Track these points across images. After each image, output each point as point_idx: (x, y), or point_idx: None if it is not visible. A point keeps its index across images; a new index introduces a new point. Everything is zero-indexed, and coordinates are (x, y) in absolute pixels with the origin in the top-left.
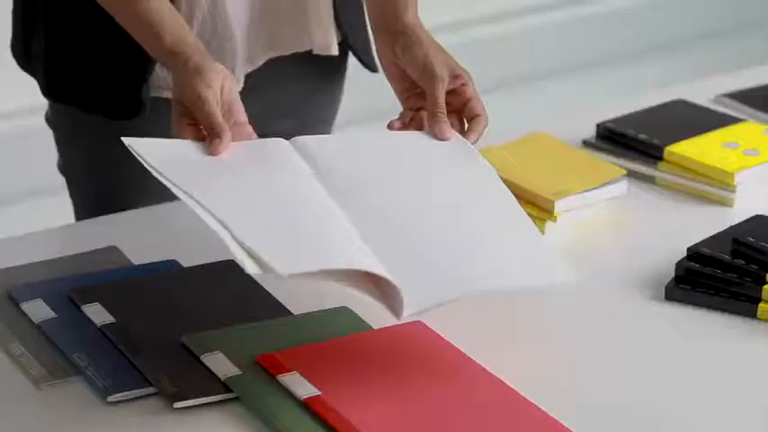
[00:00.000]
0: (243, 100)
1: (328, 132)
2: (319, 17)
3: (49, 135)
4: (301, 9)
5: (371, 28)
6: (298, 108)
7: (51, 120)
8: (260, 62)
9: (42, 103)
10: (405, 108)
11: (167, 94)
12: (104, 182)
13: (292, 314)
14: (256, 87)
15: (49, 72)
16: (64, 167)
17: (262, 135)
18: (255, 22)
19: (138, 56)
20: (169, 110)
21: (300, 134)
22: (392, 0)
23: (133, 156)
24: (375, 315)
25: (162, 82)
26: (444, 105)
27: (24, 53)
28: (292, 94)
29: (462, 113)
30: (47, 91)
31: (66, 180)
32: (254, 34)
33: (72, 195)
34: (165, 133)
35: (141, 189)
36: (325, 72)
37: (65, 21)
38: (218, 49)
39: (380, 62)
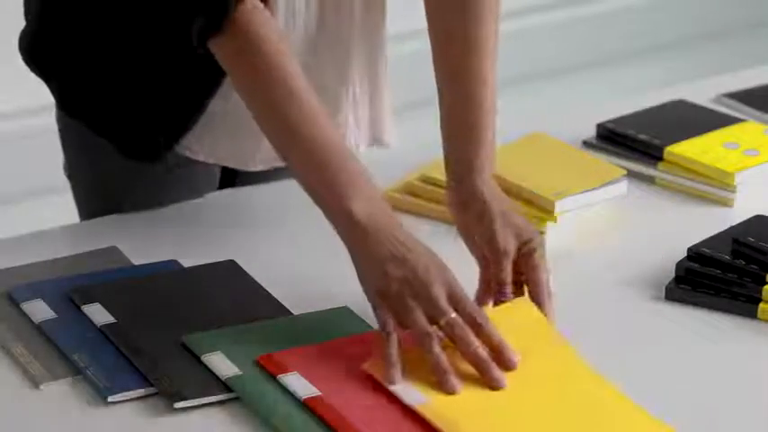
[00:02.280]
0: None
1: None
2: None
3: (51, 135)
4: None
5: (446, 167)
6: None
7: (60, 122)
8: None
9: (44, 103)
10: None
11: (188, 153)
12: (111, 188)
13: (292, 314)
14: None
15: (67, 93)
16: (69, 172)
17: None
18: None
19: (173, 118)
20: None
21: None
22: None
23: (140, 163)
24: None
25: (187, 141)
26: (509, 280)
27: (40, 57)
28: None
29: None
30: (61, 106)
31: (72, 184)
32: None
33: (77, 199)
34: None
35: (149, 197)
36: None
37: (107, 62)
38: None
39: (453, 215)
